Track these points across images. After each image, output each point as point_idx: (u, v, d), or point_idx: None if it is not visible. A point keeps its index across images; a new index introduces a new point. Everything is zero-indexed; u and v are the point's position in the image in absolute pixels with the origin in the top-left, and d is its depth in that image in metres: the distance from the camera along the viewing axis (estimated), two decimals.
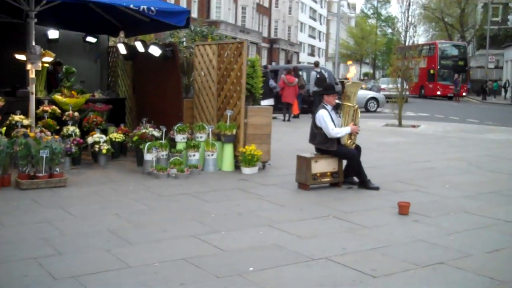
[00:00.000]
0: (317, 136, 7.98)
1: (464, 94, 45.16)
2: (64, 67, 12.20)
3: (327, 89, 8.17)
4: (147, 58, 10.69)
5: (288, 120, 18.31)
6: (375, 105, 27.53)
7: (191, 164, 8.86)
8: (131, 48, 11.36)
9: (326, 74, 20.24)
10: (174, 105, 10.40)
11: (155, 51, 10.11)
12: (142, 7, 8.18)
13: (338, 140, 7.97)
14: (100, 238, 5.44)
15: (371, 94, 28.68)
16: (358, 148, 8.20)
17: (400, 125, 17.48)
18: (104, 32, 12.70)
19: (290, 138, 13.27)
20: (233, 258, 4.94)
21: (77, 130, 9.52)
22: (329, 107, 8.03)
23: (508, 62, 53.83)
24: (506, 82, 45.52)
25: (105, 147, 9.28)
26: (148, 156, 8.79)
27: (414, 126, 17.39)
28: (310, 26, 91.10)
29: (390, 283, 4.43)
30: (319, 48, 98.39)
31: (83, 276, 4.39)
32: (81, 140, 9.27)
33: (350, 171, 8.18)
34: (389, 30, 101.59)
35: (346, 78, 8.88)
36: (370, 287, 4.33)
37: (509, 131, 16.80)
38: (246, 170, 8.98)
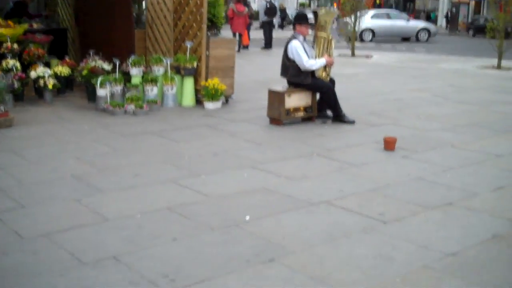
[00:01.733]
0: (290, 68, 7.37)
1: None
2: None
3: (300, 18, 7.48)
4: None
5: (238, 51, 17.53)
6: (426, 35, 27.28)
7: (149, 100, 8.12)
8: None
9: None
10: (124, 35, 9.45)
11: None
12: None
13: (312, 73, 7.39)
14: (65, 187, 4.74)
15: (423, 24, 28.43)
16: (332, 81, 7.67)
17: (353, 55, 17.04)
18: None
19: (245, 70, 12.57)
20: (222, 206, 4.39)
21: (18, 64, 8.52)
22: (301, 38, 7.39)
23: None
24: (447, 12, 45.46)
25: (50, 82, 8.36)
26: (101, 92, 7.97)
27: (367, 57, 16.99)
28: None
29: (405, 228, 3.99)
30: None
31: (55, 234, 3.74)
32: (24, 75, 8.31)
33: (324, 105, 7.67)
34: None
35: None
36: (384, 234, 3.89)
37: (460, 61, 16.68)
38: (209, 105, 8.32)
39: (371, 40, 26.59)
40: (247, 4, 17.39)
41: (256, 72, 12.79)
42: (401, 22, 27.71)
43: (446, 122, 7.72)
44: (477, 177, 5.28)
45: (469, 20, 40.86)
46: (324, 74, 7.49)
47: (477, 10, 46.59)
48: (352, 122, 7.47)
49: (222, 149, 6.12)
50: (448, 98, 9.72)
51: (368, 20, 27.61)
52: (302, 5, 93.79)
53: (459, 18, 41.92)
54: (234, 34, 16.85)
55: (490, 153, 6.14)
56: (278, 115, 7.28)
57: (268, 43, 18.47)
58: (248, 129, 7.15)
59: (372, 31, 26.87)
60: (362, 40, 26.43)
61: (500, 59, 14.38)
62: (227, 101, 8.78)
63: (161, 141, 6.40)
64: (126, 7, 9.28)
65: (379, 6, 41.35)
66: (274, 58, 16.28)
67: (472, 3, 46.63)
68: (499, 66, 14.35)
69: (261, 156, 5.87)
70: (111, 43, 9.56)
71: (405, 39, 27.86)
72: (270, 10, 18.08)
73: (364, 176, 5.25)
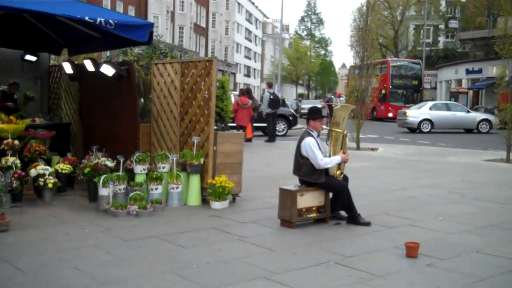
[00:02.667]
0: (303, 167, 7.05)
1: None
2: (26, 91, 10.95)
3: (314, 113, 7.24)
4: (97, 78, 9.53)
5: None
6: (488, 127, 27.16)
7: (153, 199, 7.73)
8: (78, 67, 10.15)
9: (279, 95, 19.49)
10: (129, 130, 9.27)
11: (108, 70, 8.96)
12: (99, 19, 7.04)
13: (326, 170, 7.07)
14: None
15: (483, 115, 28.41)
16: (346, 179, 7.34)
17: (358, 148, 16.84)
18: (45, 50, 11.41)
19: (251, 164, 12.26)
20: None
21: (18, 161, 8.22)
22: (315, 134, 7.13)
23: (442, 83, 55.27)
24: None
25: (51, 181, 8.01)
26: (103, 191, 7.61)
27: (373, 149, 16.79)
28: (245, 47, 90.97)
29: None
30: (254, 69, 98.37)
31: None
32: (23, 173, 7.99)
33: (337, 205, 7.30)
34: (323, 52, 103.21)
35: (331, 97, 8.05)
36: None
37: (468, 153, 16.46)
38: (216, 205, 7.94)
39: (429, 131, 26.73)
40: (251, 97, 17.40)
41: (262, 166, 12.49)
42: (461, 114, 27.68)
43: (466, 223, 7.31)
44: None
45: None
46: (338, 172, 7.17)
47: (476, 100, 47.26)
48: (367, 224, 7.06)
49: (232, 256, 5.68)
50: (464, 195, 9.35)
51: (426, 110, 27.83)
52: (300, 95, 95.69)
53: None
54: (238, 127, 16.77)
55: None
56: (289, 216, 6.88)
57: (272, 136, 18.32)
58: (258, 232, 6.73)
59: (431, 121, 26.88)
60: (420, 131, 26.62)
61: (509, 152, 14.14)
62: (234, 199, 8.40)
63: (166, 247, 5.96)
64: (131, 101, 9.14)
65: (384, 97, 40.97)
66: (280, 151, 16.17)
67: (471, 93, 47.36)
68: (508, 160, 14.09)
69: (274, 264, 5.42)
70: (115, 139, 9.37)
71: (468, 130, 27.68)
72: (274, 102, 18.04)
73: None
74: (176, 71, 8.81)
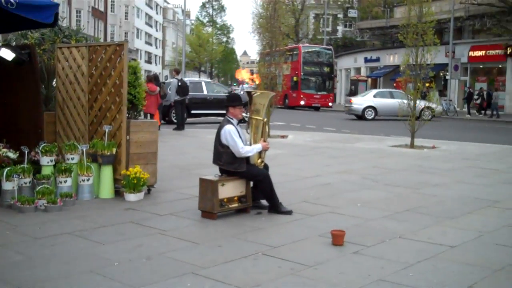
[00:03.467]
0: (223, 155, 6.82)
1: (330, 104, 41.52)
2: None
3: (233, 100, 7.01)
4: None
5: None
6: (430, 114, 26.91)
7: (62, 193, 7.23)
8: None
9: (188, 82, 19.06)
10: (31, 119, 8.61)
11: (7, 54, 8.24)
12: None
13: (247, 159, 6.89)
14: None
15: (425, 103, 27.84)
16: (266, 167, 7.20)
17: (268, 136, 16.79)
18: None
19: (162, 154, 11.73)
20: None
21: None
22: (235, 121, 6.92)
23: (342, 71, 56.85)
24: (351, 89, 46.97)
25: None
26: (7, 185, 7.02)
27: (283, 137, 16.81)
28: (146, 33, 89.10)
29: None
30: (156, 55, 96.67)
31: None
32: None
33: (258, 194, 7.14)
34: (225, 39, 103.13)
35: (248, 81, 7.83)
36: None
37: (374, 139, 16.89)
38: (131, 197, 7.55)
39: (373, 118, 27.16)
40: (159, 83, 16.89)
41: (174, 156, 12.13)
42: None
43: (384, 209, 7.40)
44: (441, 275, 4.86)
45: None
46: (259, 160, 7.01)
47: (374, 88, 48.99)
48: (289, 213, 6.96)
49: (154, 251, 5.37)
50: (376, 181, 9.51)
51: (371, 98, 27.97)
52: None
53: None
54: (146, 115, 16.22)
55: (441, 244, 5.79)
56: (211, 207, 6.64)
57: (180, 124, 17.90)
58: (178, 224, 6.44)
59: (375, 109, 27.34)
60: (365, 118, 27.09)
61: (413, 137, 14.63)
62: (149, 191, 8.03)
63: (82, 244, 5.55)
64: (33, 87, 8.47)
65: (296, 84, 39.63)
66: (190, 139, 15.84)
67: (369, 81, 49.04)
68: (412, 145, 14.59)
69: (200, 258, 5.17)
70: (16, 128, 8.67)
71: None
72: (182, 89, 17.61)
73: (322, 279, 4.68)
74: (83, 55, 8.27)
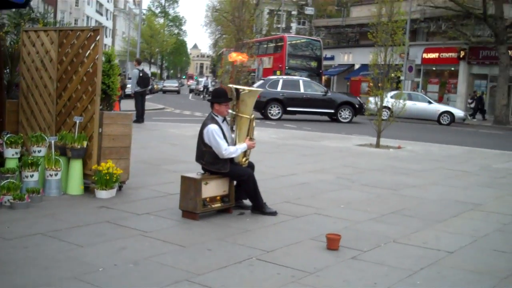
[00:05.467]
0: (206, 154, 6.40)
1: None
2: None
3: (218, 96, 6.58)
4: None
5: None
6: (449, 119, 26.82)
7: (29, 188, 6.66)
8: None
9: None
10: None
11: None
12: None
13: (231, 158, 6.49)
14: None
15: (444, 108, 28.04)
16: (251, 166, 6.82)
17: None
18: None
19: None
20: None
21: None
22: (220, 119, 6.51)
23: None
24: None
25: None
26: None
27: None
28: (96, 21, 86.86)
29: None
30: (105, 45, 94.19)
31: None
32: None
33: (241, 193, 6.77)
34: (176, 31, 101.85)
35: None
36: None
37: (338, 138, 16.71)
38: (102, 194, 7.05)
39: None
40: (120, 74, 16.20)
41: (137, 150, 11.48)
42: (422, 104, 27.82)
43: (370, 211, 7.14)
44: (449, 283, 4.62)
45: None
46: (244, 159, 6.64)
47: (327, 86, 49.15)
48: (274, 214, 6.62)
49: (139, 255, 4.93)
50: (353, 181, 9.27)
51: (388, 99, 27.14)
52: (153, 74, 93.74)
53: None
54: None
55: (438, 249, 5.57)
56: (193, 207, 6.22)
57: (140, 116, 17.28)
58: (159, 225, 6.00)
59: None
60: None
61: (378, 137, 14.53)
62: (120, 188, 7.52)
63: (59, 246, 5.05)
64: None
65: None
66: (151, 132, 15.27)
67: (324, 79, 49.13)
68: (378, 145, 14.48)
69: (192, 264, 4.77)
70: None
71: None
72: (143, 80, 17.02)
73: None
74: (52, 40, 7.68)
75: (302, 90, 24.14)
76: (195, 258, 4.96)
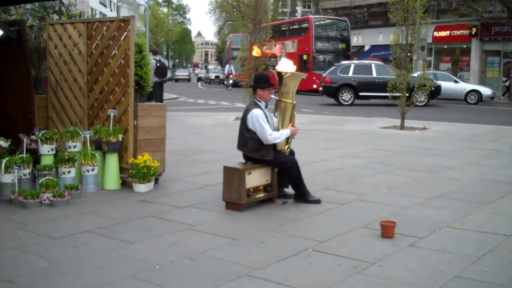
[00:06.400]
0: (249, 141, 6.25)
1: None
2: None
3: (262, 81, 6.40)
4: None
5: None
6: (476, 98, 26.10)
7: (67, 185, 6.53)
8: None
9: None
10: (21, 103, 7.84)
11: None
12: None
13: (274, 146, 6.33)
14: None
15: (471, 86, 27.30)
16: (292, 153, 6.66)
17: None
18: None
19: None
20: None
21: None
22: (263, 104, 6.34)
23: None
24: None
25: None
26: (6, 178, 6.29)
27: None
28: (101, 12, 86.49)
29: None
30: None
31: None
32: None
33: (283, 182, 6.61)
34: (180, 19, 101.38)
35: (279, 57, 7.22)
36: None
37: (361, 121, 16.51)
38: (141, 188, 6.92)
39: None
40: None
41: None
42: (448, 84, 26.91)
43: (413, 195, 6.97)
44: None
45: None
46: (286, 146, 6.48)
47: None
48: (318, 202, 6.47)
49: (193, 250, 4.80)
50: (387, 165, 9.10)
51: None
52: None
53: None
54: None
55: (495, 233, 5.40)
56: (238, 198, 6.07)
57: None
58: (205, 218, 5.85)
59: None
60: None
61: (403, 119, 14.32)
62: (156, 181, 7.38)
63: (109, 244, 4.92)
64: (23, 67, 7.69)
65: (306, 64, 32.94)
66: (172, 122, 15.05)
67: None
68: (402, 127, 14.27)
69: (248, 257, 4.63)
70: (3, 113, 7.90)
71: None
72: (161, 70, 16.84)
73: (395, 279, 4.21)
74: (80, 32, 7.52)
75: (374, 75, 23.72)
76: (250, 251, 4.82)
